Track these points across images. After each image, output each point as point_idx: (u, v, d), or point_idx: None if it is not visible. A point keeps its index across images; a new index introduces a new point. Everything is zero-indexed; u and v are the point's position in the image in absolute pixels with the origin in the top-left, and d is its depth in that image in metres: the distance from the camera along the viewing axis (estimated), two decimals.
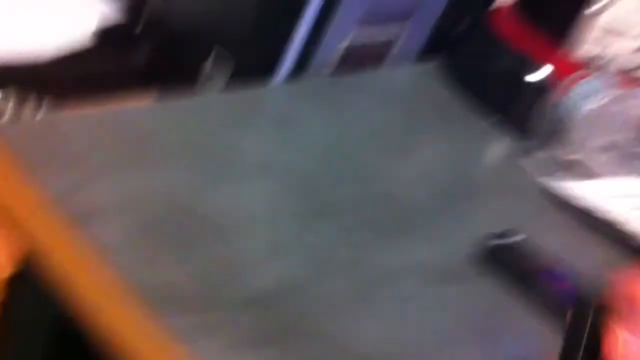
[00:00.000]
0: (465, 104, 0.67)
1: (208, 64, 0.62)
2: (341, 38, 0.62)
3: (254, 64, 0.61)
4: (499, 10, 0.68)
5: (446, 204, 0.54)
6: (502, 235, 0.49)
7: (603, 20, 0.63)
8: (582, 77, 0.62)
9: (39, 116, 0.54)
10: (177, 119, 0.50)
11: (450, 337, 0.42)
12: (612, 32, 0.63)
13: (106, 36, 0.64)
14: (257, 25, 0.60)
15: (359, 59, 0.65)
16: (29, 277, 0.41)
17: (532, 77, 0.64)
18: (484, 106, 0.66)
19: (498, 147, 0.64)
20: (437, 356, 0.41)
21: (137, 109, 0.53)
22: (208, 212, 0.43)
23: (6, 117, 0.55)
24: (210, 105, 0.54)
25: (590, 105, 0.60)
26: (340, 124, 0.58)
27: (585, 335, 0.32)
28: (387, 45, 0.67)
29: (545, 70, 0.64)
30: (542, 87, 0.63)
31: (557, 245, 0.54)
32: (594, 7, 0.62)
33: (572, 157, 0.62)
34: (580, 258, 0.54)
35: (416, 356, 0.40)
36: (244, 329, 0.37)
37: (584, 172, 0.62)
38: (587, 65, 0.65)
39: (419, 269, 0.46)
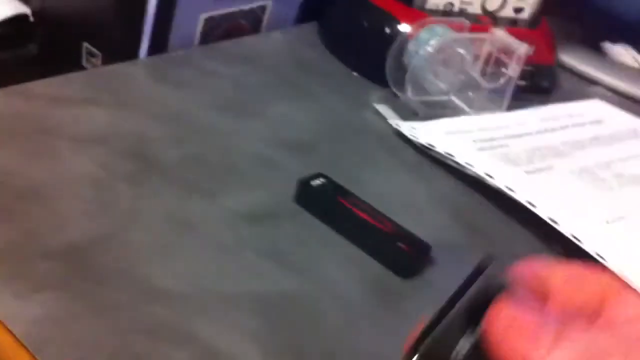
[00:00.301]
0: (333, 63, 0.71)
1: (84, 59, 0.68)
2: (199, 9, 0.66)
3: (119, 53, 0.65)
4: None
5: (286, 155, 0.57)
6: (315, 177, 0.53)
7: None
8: (429, 23, 0.65)
9: None
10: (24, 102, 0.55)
11: (251, 268, 0.46)
12: None
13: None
14: (115, 16, 0.65)
15: (227, 29, 0.69)
16: None
17: (389, 30, 0.68)
18: (348, 61, 0.70)
19: (358, 98, 0.67)
20: (232, 287, 0.44)
21: None
22: (31, 182, 0.47)
23: None
24: (63, 84, 0.58)
25: (438, 48, 0.64)
26: (195, 92, 0.62)
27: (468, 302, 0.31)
28: (255, 14, 0.71)
29: (402, 25, 0.67)
30: (397, 38, 0.66)
31: (392, 184, 0.58)
32: None
33: (425, 99, 0.65)
34: (408, 193, 0.57)
35: (213, 290, 0.43)
36: (38, 278, 0.40)
37: (436, 113, 0.65)
38: (437, 14, 0.68)
39: (234, 215, 0.49)
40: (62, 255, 0.42)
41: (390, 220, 0.50)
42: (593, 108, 0.77)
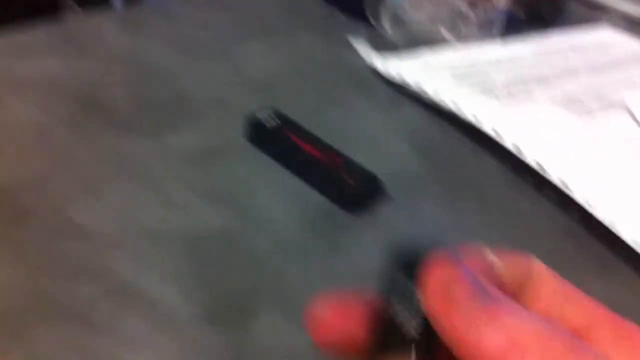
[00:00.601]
0: (313, 1, 0.68)
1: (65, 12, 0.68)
2: None
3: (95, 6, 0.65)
4: None
5: (244, 95, 0.56)
6: (264, 111, 0.51)
7: None
8: None
9: None
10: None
11: (185, 207, 0.45)
12: None
13: None
14: None
15: None
16: None
17: None
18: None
19: (335, 35, 0.65)
20: (160, 225, 0.43)
21: None
22: None
23: None
24: (26, 34, 0.58)
25: None
26: (159, 37, 0.61)
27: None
28: None
29: None
30: None
31: (357, 120, 0.56)
32: None
33: (405, 31, 0.63)
34: (372, 129, 0.55)
35: (138, 228, 0.42)
36: None
37: (421, 47, 0.62)
38: None
39: (177, 154, 0.49)
40: None
41: (340, 154, 0.48)
42: (599, 36, 0.72)
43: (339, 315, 0.21)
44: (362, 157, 0.48)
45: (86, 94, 0.52)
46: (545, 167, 0.48)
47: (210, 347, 0.36)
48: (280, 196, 0.47)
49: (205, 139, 0.50)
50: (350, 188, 0.46)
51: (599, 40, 0.71)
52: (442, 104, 0.54)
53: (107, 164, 0.46)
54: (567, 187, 0.46)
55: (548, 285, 0.23)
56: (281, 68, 0.59)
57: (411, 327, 0.21)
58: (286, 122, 0.50)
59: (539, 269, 0.23)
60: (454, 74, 0.58)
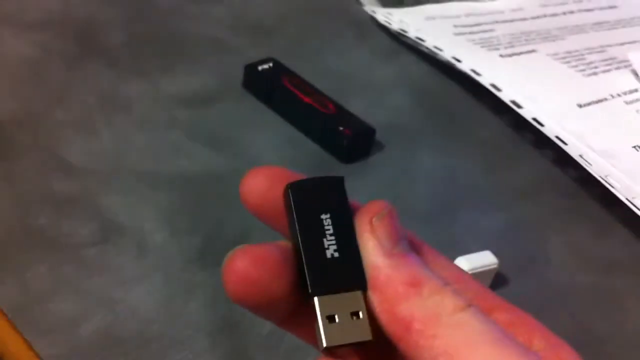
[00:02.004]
0: None
1: None
2: None
3: None
4: None
5: (244, 40, 0.55)
6: (264, 61, 0.51)
7: None
8: None
9: None
10: None
11: (180, 149, 0.45)
12: None
13: None
14: None
15: None
16: None
17: None
18: None
19: None
20: (151, 166, 0.43)
21: None
22: None
23: None
24: None
25: None
26: None
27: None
28: None
29: None
30: None
31: (355, 69, 0.55)
32: None
33: None
34: (370, 78, 0.55)
35: (129, 168, 0.43)
36: None
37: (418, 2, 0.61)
38: None
39: (173, 97, 0.48)
40: None
41: (336, 104, 0.48)
42: None
43: (255, 264, 0.20)
44: (359, 107, 0.48)
45: (84, 33, 0.51)
46: (543, 124, 0.47)
47: (201, 288, 0.36)
48: (274, 143, 0.46)
49: (201, 83, 0.50)
50: (344, 138, 0.46)
51: None
52: (441, 56, 0.54)
53: (102, 104, 0.46)
54: (564, 144, 0.46)
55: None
56: (282, 14, 0.59)
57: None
58: (283, 70, 0.50)
59: None
60: (455, 25, 0.57)
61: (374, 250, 0.20)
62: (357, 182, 0.44)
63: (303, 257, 0.20)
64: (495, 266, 0.38)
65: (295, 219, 0.20)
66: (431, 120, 0.51)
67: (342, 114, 0.47)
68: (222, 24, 0.56)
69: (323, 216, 0.20)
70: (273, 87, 0.49)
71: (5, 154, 0.41)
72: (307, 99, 0.48)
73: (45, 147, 0.42)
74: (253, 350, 0.34)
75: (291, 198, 0.21)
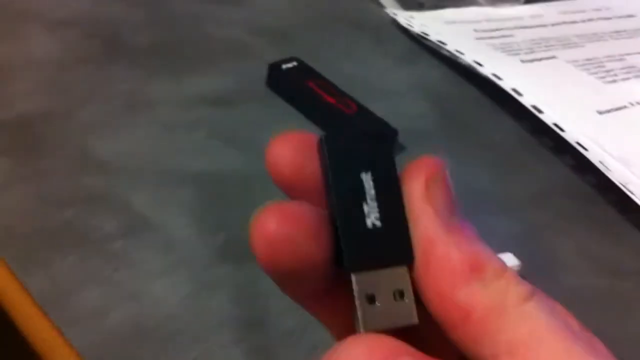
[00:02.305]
0: None
1: None
2: None
3: None
4: None
5: (266, 43, 0.56)
6: (287, 61, 0.51)
7: None
8: None
9: None
10: None
11: (205, 149, 0.45)
12: None
13: None
14: None
15: None
16: None
17: None
18: None
19: None
20: (175, 164, 0.44)
21: None
22: None
23: None
24: None
25: None
26: None
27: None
28: None
29: None
30: None
31: (375, 72, 0.56)
32: None
33: None
34: (391, 81, 0.55)
35: (154, 166, 0.43)
36: None
37: (447, 4, 0.62)
38: None
39: (197, 98, 0.49)
40: (9, 127, 0.42)
41: (359, 105, 0.48)
42: (625, 1, 0.71)
43: (288, 222, 0.17)
44: (378, 110, 0.48)
45: (110, 35, 0.52)
46: (564, 129, 0.48)
47: (225, 283, 0.37)
48: None
49: (224, 85, 0.50)
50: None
51: (625, 5, 0.71)
52: (462, 60, 0.54)
53: (127, 104, 0.46)
54: (584, 149, 0.47)
55: None
56: (303, 17, 0.59)
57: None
58: (307, 70, 0.50)
59: None
60: (476, 30, 0.58)
61: (429, 221, 0.17)
62: None
63: (339, 224, 0.17)
64: (517, 268, 0.39)
65: (331, 178, 0.17)
66: (451, 125, 0.52)
67: (365, 115, 0.48)
68: (244, 28, 0.56)
69: (364, 176, 0.18)
70: (297, 86, 0.50)
71: (33, 149, 0.42)
72: (330, 99, 0.48)
73: (72, 144, 0.43)
74: (276, 346, 0.35)
75: (326, 152, 0.17)
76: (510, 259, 0.39)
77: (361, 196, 0.17)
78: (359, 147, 0.17)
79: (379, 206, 0.17)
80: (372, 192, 0.17)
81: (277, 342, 0.35)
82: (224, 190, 0.42)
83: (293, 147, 0.18)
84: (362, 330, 0.17)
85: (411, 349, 0.16)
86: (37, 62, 0.48)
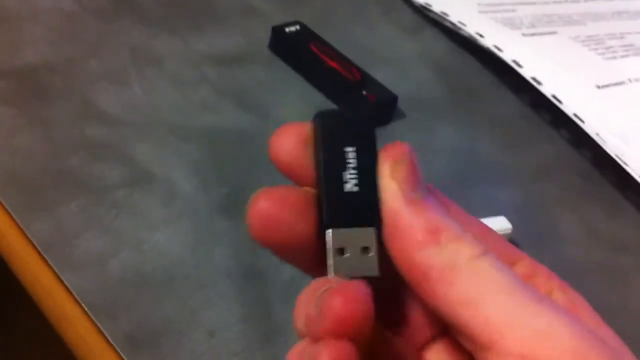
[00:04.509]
0: None
1: None
2: None
3: None
4: None
5: (273, 5, 0.56)
6: (291, 24, 0.52)
7: None
8: None
9: None
10: None
11: (209, 106, 0.46)
12: None
13: None
14: None
15: None
16: None
17: None
18: None
19: None
20: (180, 119, 0.44)
21: None
22: (2, 11, 0.49)
23: None
24: None
25: None
26: None
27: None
28: None
29: None
30: None
31: (379, 40, 0.56)
32: None
33: None
34: (394, 50, 0.56)
35: (160, 120, 0.44)
36: None
37: None
38: None
39: (203, 56, 0.49)
40: (16, 75, 0.43)
41: (361, 71, 0.49)
42: None
43: (277, 203, 0.20)
44: (381, 77, 0.49)
45: None
46: (562, 101, 0.48)
47: (226, 236, 0.37)
48: (299, 104, 0.48)
49: (230, 44, 0.51)
50: (367, 102, 0.47)
51: None
52: (464, 31, 0.55)
53: (134, 58, 0.47)
54: (581, 121, 0.47)
55: None
56: None
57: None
58: (310, 34, 0.51)
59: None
60: (479, 4, 0.58)
61: (393, 195, 0.20)
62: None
63: (321, 189, 0.20)
64: (509, 231, 0.40)
65: (319, 150, 0.20)
66: (451, 95, 0.52)
67: (366, 80, 0.48)
68: None
69: (348, 149, 0.20)
70: (299, 49, 0.50)
71: (39, 98, 0.42)
72: (332, 64, 0.49)
73: (78, 94, 0.43)
74: (274, 296, 0.36)
75: (317, 128, 0.20)
76: (502, 222, 0.39)
77: (343, 166, 0.20)
78: (346, 124, 0.20)
79: (357, 176, 0.20)
80: (353, 163, 0.20)
81: (275, 293, 0.36)
82: (226, 147, 0.43)
83: (292, 139, 0.21)
84: (331, 276, 0.20)
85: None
86: (45, 13, 0.48)
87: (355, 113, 0.21)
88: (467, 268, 0.19)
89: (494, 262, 0.19)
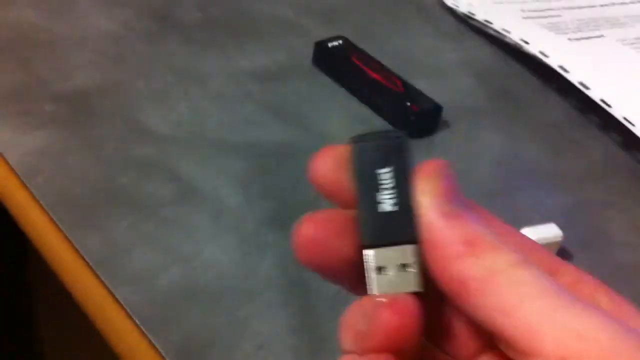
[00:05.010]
0: None
1: None
2: None
3: None
4: None
5: (314, 21, 0.57)
6: (334, 39, 0.52)
7: None
8: None
9: None
10: None
11: (253, 121, 0.46)
12: None
13: None
14: None
15: None
16: None
17: None
18: None
19: None
20: (226, 134, 0.45)
21: None
22: (50, 36, 0.50)
23: None
24: None
25: None
26: None
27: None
28: None
29: None
30: None
31: (422, 50, 0.56)
32: None
33: None
34: (437, 59, 0.56)
35: (206, 136, 0.45)
36: (40, 117, 0.42)
37: None
38: None
39: (246, 73, 0.50)
40: (67, 99, 0.44)
41: (404, 82, 0.49)
42: None
43: (320, 227, 0.20)
44: (425, 87, 0.49)
45: (162, 11, 0.54)
46: (611, 105, 0.48)
47: (273, 249, 0.38)
48: (343, 118, 0.48)
49: (273, 60, 0.52)
50: (411, 114, 0.47)
51: None
52: (508, 38, 0.54)
53: (179, 78, 0.48)
54: (632, 125, 0.46)
55: None
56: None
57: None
58: (353, 48, 0.51)
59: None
60: (522, 10, 0.58)
61: (427, 209, 0.20)
62: (422, 158, 0.45)
63: (358, 208, 0.20)
64: (559, 239, 0.39)
65: (355, 170, 0.21)
66: (496, 102, 0.52)
67: (410, 91, 0.48)
68: (292, 6, 0.57)
69: (384, 170, 0.21)
70: (342, 63, 0.50)
71: (90, 120, 0.43)
72: (375, 76, 0.49)
73: (127, 115, 0.44)
74: (320, 308, 0.36)
75: (353, 149, 0.21)
76: (552, 230, 0.39)
77: (378, 187, 0.20)
78: (380, 145, 0.21)
79: (394, 195, 0.20)
80: (389, 184, 0.20)
81: (321, 304, 0.36)
82: (271, 161, 0.43)
83: (330, 161, 0.21)
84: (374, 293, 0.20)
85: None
86: (92, 37, 0.50)
87: (391, 132, 0.21)
88: (505, 277, 0.19)
89: (532, 269, 0.19)
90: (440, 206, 0.20)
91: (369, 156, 0.21)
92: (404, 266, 0.20)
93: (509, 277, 0.19)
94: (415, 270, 0.20)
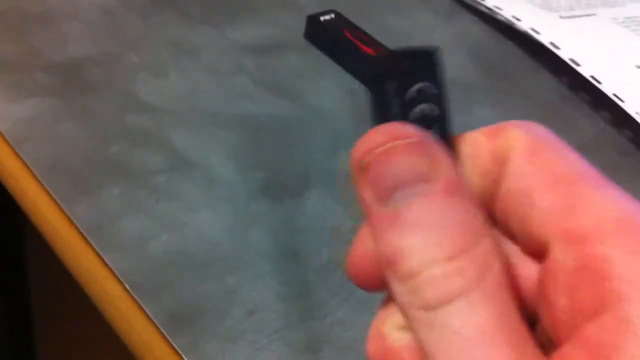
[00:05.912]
0: None
1: None
2: None
3: None
4: None
5: None
6: (326, 13, 0.52)
7: None
8: None
9: None
10: None
11: (246, 93, 0.47)
12: None
13: None
14: None
15: None
16: None
17: None
18: None
19: None
20: (218, 106, 0.45)
21: None
22: (45, 8, 0.50)
23: None
24: None
25: None
26: None
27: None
28: None
29: None
30: None
31: (414, 27, 0.56)
32: None
33: None
34: (429, 35, 0.56)
35: (198, 108, 0.45)
36: (32, 87, 0.42)
37: None
38: None
39: (239, 46, 0.50)
40: (59, 69, 0.44)
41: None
42: None
43: (360, 272, 0.20)
44: None
45: None
46: (601, 82, 0.48)
47: (264, 218, 0.38)
48: (335, 92, 0.48)
49: (266, 34, 0.51)
50: None
51: None
52: (500, 15, 0.54)
53: (172, 50, 0.48)
54: (622, 101, 0.47)
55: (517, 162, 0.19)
56: None
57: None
58: (345, 22, 0.51)
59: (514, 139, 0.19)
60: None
61: (361, 205, 0.18)
62: None
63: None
64: None
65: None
66: (489, 79, 0.52)
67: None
68: None
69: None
70: (334, 37, 0.50)
71: (82, 90, 0.43)
72: (367, 49, 0.49)
73: (119, 85, 0.44)
74: (310, 276, 0.36)
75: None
76: None
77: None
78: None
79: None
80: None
81: (311, 274, 0.36)
82: (263, 133, 0.43)
83: (363, 265, 0.20)
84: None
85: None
86: (85, 10, 0.50)
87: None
88: (420, 317, 0.17)
89: (462, 309, 0.16)
90: (368, 205, 0.18)
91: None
92: None
93: (422, 319, 0.17)
94: None
